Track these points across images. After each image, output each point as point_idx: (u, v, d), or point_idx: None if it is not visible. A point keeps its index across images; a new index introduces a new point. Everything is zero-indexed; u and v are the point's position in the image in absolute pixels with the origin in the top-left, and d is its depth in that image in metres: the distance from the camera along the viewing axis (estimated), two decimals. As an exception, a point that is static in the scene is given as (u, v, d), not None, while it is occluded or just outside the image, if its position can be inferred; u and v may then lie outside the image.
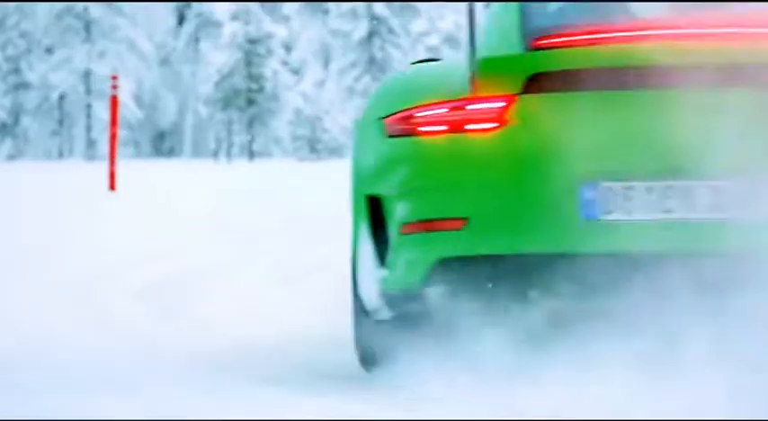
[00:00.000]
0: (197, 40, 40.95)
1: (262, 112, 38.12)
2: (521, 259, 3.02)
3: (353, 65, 38.38)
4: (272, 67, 37.95)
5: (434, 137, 3.15)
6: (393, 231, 3.07)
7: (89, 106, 36.80)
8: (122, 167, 18.92)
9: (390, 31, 38.52)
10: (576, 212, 2.90)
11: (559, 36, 3.18)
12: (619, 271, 2.97)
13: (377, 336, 3.32)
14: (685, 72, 2.96)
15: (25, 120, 37.41)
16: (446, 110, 3.13)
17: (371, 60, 38.35)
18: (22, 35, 37.82)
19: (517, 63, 3.15)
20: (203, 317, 5.19)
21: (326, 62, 40.81)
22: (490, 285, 3.02)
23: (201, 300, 5.78)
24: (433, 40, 36.65)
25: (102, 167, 19.41)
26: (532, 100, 2.99)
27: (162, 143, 40.87)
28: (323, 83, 39.19)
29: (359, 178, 3.20)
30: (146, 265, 8.24)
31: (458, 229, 3.00)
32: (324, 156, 34.70)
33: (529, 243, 2.99)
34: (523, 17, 3.30)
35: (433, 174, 3.07)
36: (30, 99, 37.35)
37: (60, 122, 37.33)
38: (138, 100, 36.63)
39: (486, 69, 3.08)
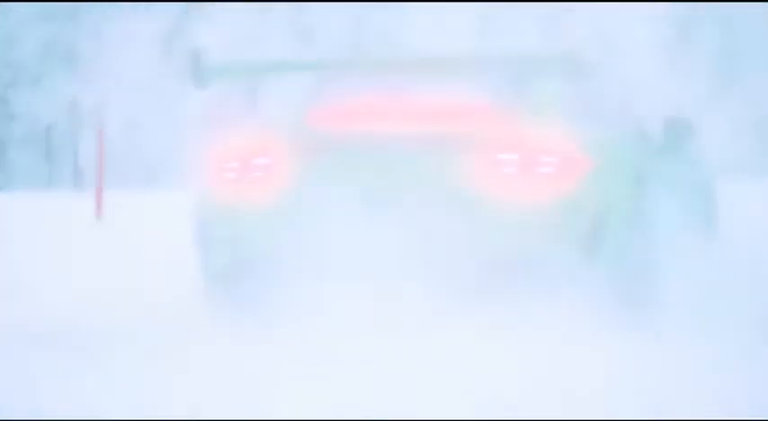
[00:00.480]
0: (184, 70, 41.15)
1: (249, 142, 38.26)
2: None
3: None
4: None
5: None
6: None
7: (76, 136, 36.86)
8: (109, 197, 18.97)
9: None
10: None
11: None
12: None
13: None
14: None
15: (12, 151, 37.42)
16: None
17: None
18: (8, 65, 37.91)
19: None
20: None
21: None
22: None
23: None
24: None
25: (90, 196, 19.44)
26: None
27: (149, 172, 40.94)
28: (310, 112, 39.37)
29: None
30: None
31: None
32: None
33: None
34: None
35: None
36: (16, 129, 37.39)
37: (47, 152, 37.35)
38: (124, 129, 36.70)
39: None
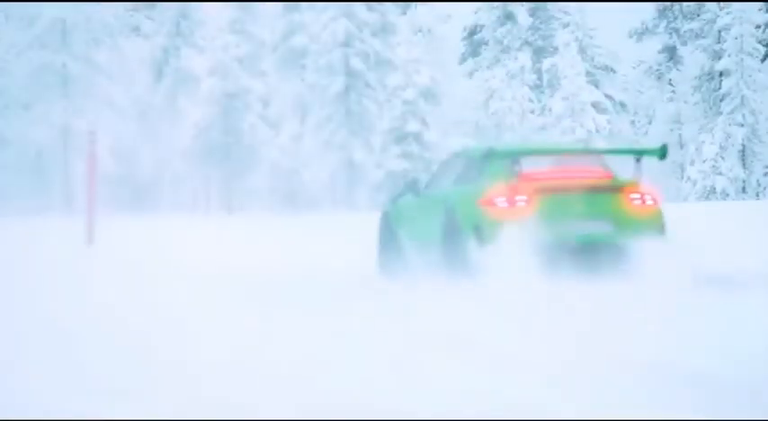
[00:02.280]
0: (174, 95, 41.19)
1: (239, 166, 38.30)
2: None
3: (330, 118, 38.68)
4: (249, 122, 38.20)
5: None
6: None
7: (67, 161, 36.86)
8: (100, 221, 19.00)
9: (367, 84, 38.89)
10: None
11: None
12: None
13: None
14: None
15: (2, 176, 37.40)
16: None
17: (348, 114, 38.67)
18: None
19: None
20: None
21: (303, 116, 41.10)
22: None
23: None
24: (410, 95, 37.01)
25: (81, 221, 19.46)
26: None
27: (140, 197, 40.91)
28: (300, 136, 39.45)
29: None
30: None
31: None
32: (302, 210, 34.81)
33: None
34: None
35: None
36: (7, 155, 37.39)
37: (38, 177, 37.34)
38: (115, 154, 36.71)
39: None
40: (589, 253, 8.71)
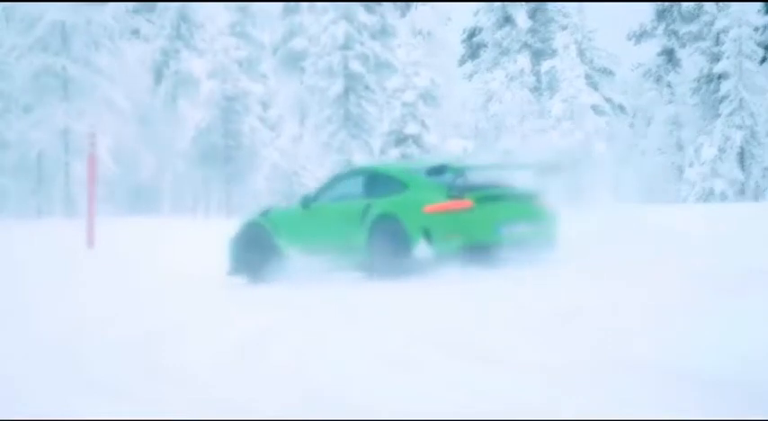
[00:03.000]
0: (174, 97, 41.25)
1: (239, 169, 38.36)
2: None
3: (329, 120, 38.75)
4: (249, 124, 38.26)
5: None
6: None
7: (67, 164, 36.91)
8: (101, 224, 19.02)
9: (366, 87, 38.96)
10: None
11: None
12: None
13: None
14: None
15: (3, 179, 37.44)
16: None
17: (347, 116, 38.74)
18: (0, 95, 38.05)
19: None
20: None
21: (303, 118, 41.17)
22: None
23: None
24: (409, 97, 37.07)
25: (81, 224, 19.49)
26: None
27: (140, 199, 40.96)
28: (300, 138, 39.52)
29: None
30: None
31: None
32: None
33: None
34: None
35: None
36: (8, 157, 37.43)
37: (38, 180, 37.39)
38: (115, 157, 36.76)
39: None
40: (517, 249, 10.62)
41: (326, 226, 11.19)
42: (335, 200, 11.34)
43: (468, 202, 10.47)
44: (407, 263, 10.32)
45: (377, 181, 11.10)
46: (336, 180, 11.60)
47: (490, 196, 10.74)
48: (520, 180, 11.42)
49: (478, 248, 10.37)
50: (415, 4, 43.11)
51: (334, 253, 10.98)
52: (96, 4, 37.29)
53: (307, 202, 11.51)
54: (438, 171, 10.85)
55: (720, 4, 39.14)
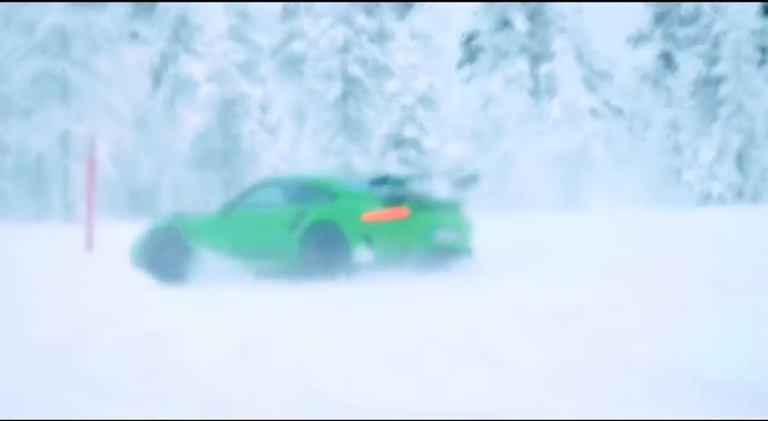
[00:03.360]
0: (173, 101, 41.28)
1: (238, 172, 38.38)
2: None
3: (328, 124, 38.78)
4: (248, 127, 38.29)
5: None
6: None
7: (66, 167, 36.92)
8: (100, 227, 19.06)
9: (365, 90, 39.00)
10: None
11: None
12: None
13: None
14: None
15: (2, 182, 37.45)
16: None
17: (346, 120, 38.77)
18: (-1, 98, 38.08)
19: None
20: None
21: (301, 122, 41.19)
22: None
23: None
24: (407, 100, 37.11)
25: (80, 228, 19.51)
26: None
27: (139, 203, 40.98)
28: (298, 142, 39.55)
29: None
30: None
31: None
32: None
33: None
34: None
35: None
36: (7, 161, 37.43)
37: (38, 183, 37.40)
38: (114, 160, 36.79)
39: None
40: (445, 253, 11.73)
41: (250, 231, 11.88)
42: (258, 207, 12.03)
43: (405, 210, 11.26)
44: (346, 266, 11.12)
45: (302, 190, 11.86)
46: (256, 189, 12.27)
47: (423, 205, 11.56)
48: (440, 190, 12.46)
49: (413, 253, 11.24)
50: (413, 6, 43.14)
51: (257, 256, 11.73)
52: (96, 7, 37.31)
53: (227, 209, 12.17)
54: (380, 182, 11.72)
55: (718, 7, 39.19)
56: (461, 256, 11.98)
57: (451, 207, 12.08)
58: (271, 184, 12.37)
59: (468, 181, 12.99)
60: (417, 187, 12.21)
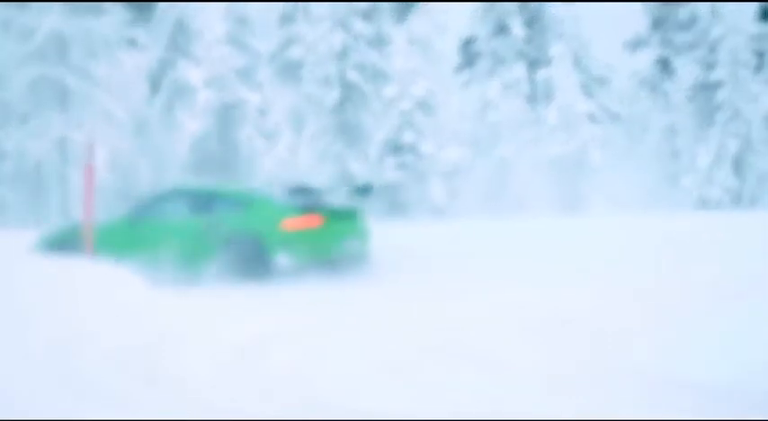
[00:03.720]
0: (171, 106, 41.33)
1: (236, 177, 38.40)
2: None
3: (326, 130, 38.82)
4: (246, 133, 38.31)
5: None
6: None
7: (64, 174, 36.95)
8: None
9: (363, 96, 39.04)
10: None
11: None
12: None
13: None
14: None
15: (1, 189, 37.46)
16: None
17: (344, 125, 38.81)
18: (-2, 104, 38.09)
19: None
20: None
21: (300, 127, 41.22)
22: None
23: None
24: (406, 105, 37.16)
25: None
26: None
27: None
28: (296, 147, 39.59)
29: None
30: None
31: None
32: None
33: None
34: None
35: None
36: (5, 168, 37.45)
37: (36, 190, 37.42)
38: (112, 166, 36.82)
39: None
40: (349, 260, 12.39)
41: (159, 239, 12.34)
42: (166, 215, 12.54)
43: (319, 219, 11.98)
44: (266, 273, 11.65)
45: (214, 199, 12.32)
46: (163, 197, 12.87)
47: (333, 214, 12.31)
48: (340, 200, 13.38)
49: (326, 259, 12.01)
50: (411, 10, 43.19)
51: (166, 263, 12.06)
52: (94, 13, 37.35)
53: (133, 217, 12.83)
54: (295, 192, 12.55)
55: (716, 12, 39.24)
56: (362, 263, 12.71)
57: (354, 216, 12.78)
58: (179, 193, 12.70)
59: (362, 191, 14.09)
60: (325, 197, 13.03)
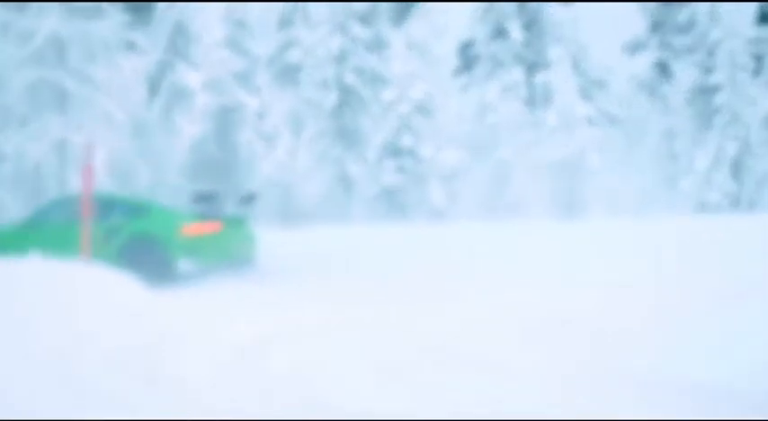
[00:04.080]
0: (170, 110, 41.34)
1: (234, 181, 38.39)
2: None
3: (324, 133, 38.83)
4: (244, 136, 38.32)
5: None
6: None
7: (63, 176, 36.95)
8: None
9: (361, 99, 39.06)
10: None
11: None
12: None
13: None
14: None
15: (0, 192, 37.47)
16: None
17: (342, 128, 38.82)
18: (-4, 106, 38.09)
19: None
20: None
21: (298, 131, 41.23)
22: None
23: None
24: (404, 109, 37.18)
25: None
26: None
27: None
28: (295, 151, 39.60)
29: None
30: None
31: None
32: (297, 224, 34.97)
33: None
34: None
35: None
36: (4, 170, 37.46)
37: (35, 192, 37.41)
38: (111, 169, 36.82)
39: None
40: (241, 263, 13.20)
41: (57, 243, 12.73)
42: (63, 220, 13.05)
43: (218, 225, 12.65)
44: (168, 275, 12.15)
45: (112, 206, 12.98)
46: (60, 203, 13.46)
47: (228, 220, 13.03)
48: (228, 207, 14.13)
49: (226, 262, 12.65)
50: (410, 14, 43.22)
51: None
52: (93, 16, 37.37)
53: (30, 222, 13.28)
54: (196, 198, 13.10)
55: (714, 15, 39.28)
56: (249, 267, 13.44)
57: (244, 222, 13.54)
58: (76, 200, 13.12)
59: (248, 199, 14.44)
60: (220, 204, 13.51)
